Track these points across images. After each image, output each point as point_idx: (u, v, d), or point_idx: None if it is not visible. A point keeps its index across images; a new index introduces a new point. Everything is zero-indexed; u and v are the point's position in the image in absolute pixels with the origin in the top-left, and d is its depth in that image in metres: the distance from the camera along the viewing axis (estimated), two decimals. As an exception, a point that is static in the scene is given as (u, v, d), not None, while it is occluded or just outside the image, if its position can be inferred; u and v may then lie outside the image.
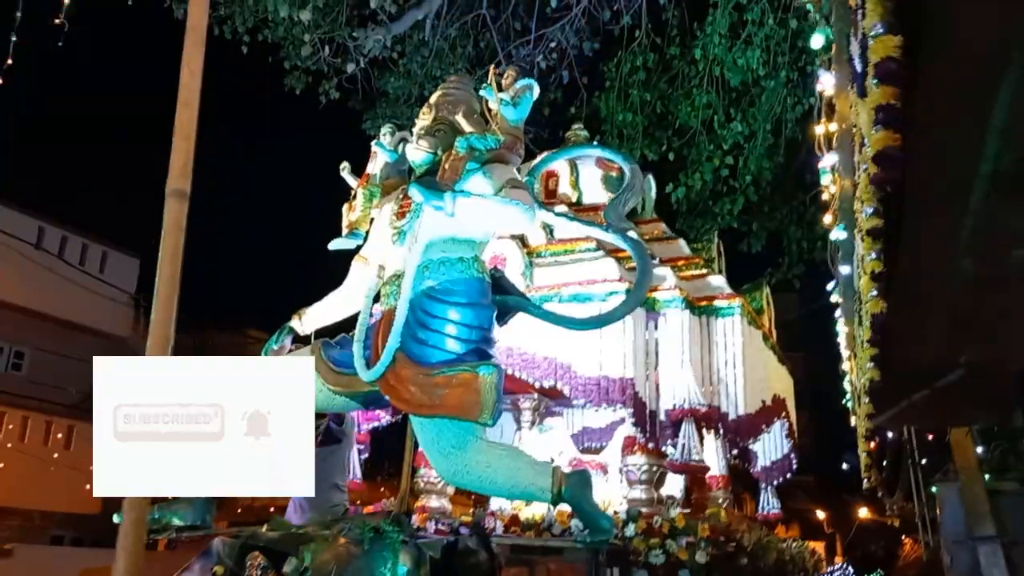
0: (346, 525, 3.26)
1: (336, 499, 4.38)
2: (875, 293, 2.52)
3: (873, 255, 2.31)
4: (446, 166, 3.85)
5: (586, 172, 7.19)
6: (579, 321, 4.22)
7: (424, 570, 3.13)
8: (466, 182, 3.81)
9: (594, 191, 7.11)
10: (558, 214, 4.31)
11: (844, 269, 3.81)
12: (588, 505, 3.58)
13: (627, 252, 4.88)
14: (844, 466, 21.19)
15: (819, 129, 3.67)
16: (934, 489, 9.44)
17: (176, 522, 3.81)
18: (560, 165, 7.08)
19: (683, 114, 10.42)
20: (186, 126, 1.83)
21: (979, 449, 8.37)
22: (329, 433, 4.42)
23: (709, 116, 10.30)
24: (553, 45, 10.14)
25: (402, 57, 10.26)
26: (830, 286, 4.62)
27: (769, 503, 7.11)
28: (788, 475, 7.10)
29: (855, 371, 5.05)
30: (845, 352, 5.46)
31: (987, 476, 8.27)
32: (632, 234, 4.05)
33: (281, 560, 3.12)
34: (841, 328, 5.11)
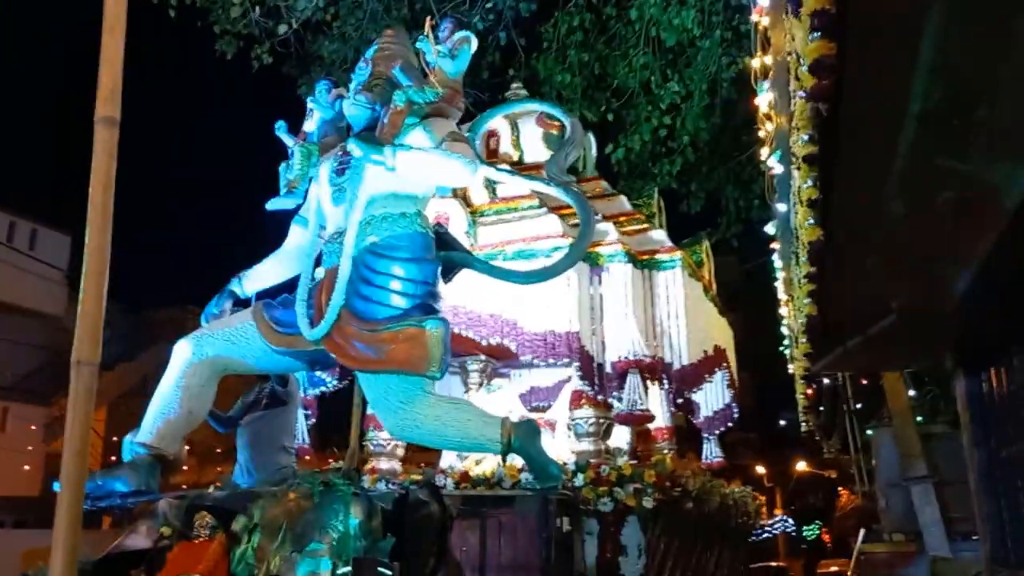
0: (295, 481, 3.24)
1: (283, 461, 4.33)
2: (812, 221, 2.57)
3: (809, 182, 2.35)
4: (385, 121, 3.81)
5: (527, 131, 7.17)
6: (523, 274, 4.22)
7: (376, 522, 3.13)
8: (406, 136, 3.78)
9: (535, 149, 7.11)
10: (500, 169, 4.31)
11: (781, 207, 3.87)
12: (537, 453, 3.61)
13: (570, 208, 4.91)
14: (781, 422, 21.88)
15: (755, 62, 3.70)
16: (869, 433, 9.84)
17: (120, 488, 3.72)
18: (501, 124, 7.06)
19: (621, 75, 10.44)
20: (112, 51, 1.75)
21: (911, 393, 8.73)
22: (273, 395, 4.37)
23: (646, 77, 10.34)
24: (490, 6, 10.03)
25: (336, 20, 10.04)
26: (769, 227, 4.67)
27: (712, 452, 7.28)
28: (729, 424, 7.26)
29: (792, 314, 5.17)
30: (783, 296, 5.59)
31: (919, 419, 8.64)
32: (574, 188, 4.06)
33: (230, 519, 3.09)
34: (779, 271, 5.22)
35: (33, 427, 18.99)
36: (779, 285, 5.42)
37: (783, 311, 5.90)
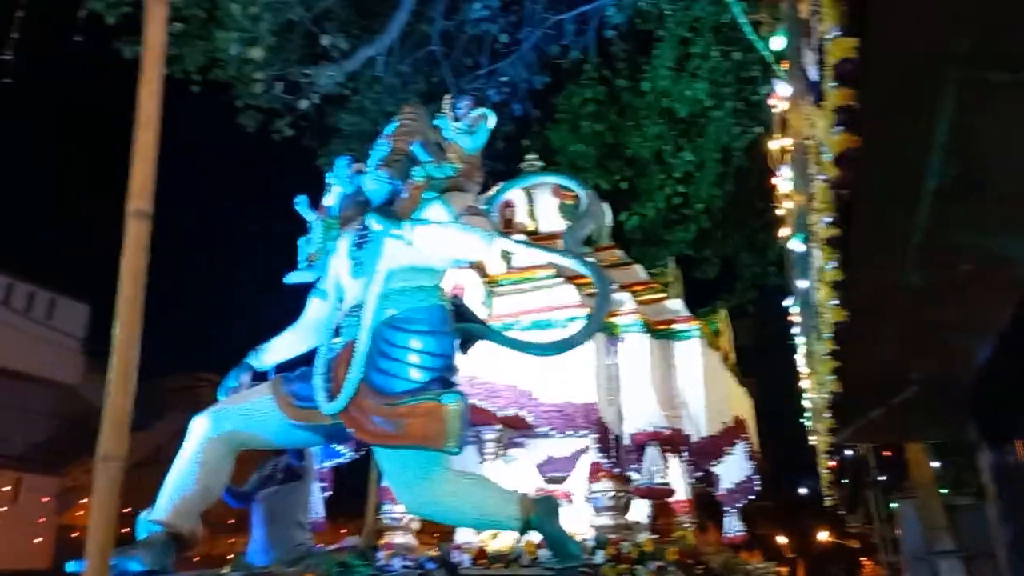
0: (312, 562, 3.20)
1: (299, 537, 4.28)
2: (836, 302, 2.57)
3: (833, 264, 2.36)
4: (404, 196, 3.87)
5: (542, 201, 7.23)
6: (541, 346, 4.20)
7: (393, 603, 3.07)
8: (424, 211, 3.83)
9: (551, 220, 7.15)
10: (517, 241, 4.34)
11: (801, 284, 3.87)
12: (556, 531, 3.56)
13: (586, 278, 4.92)
14: (802, 490, 21.51)
15: (774, 144, 3.75)
16: (893, 506, 9.64)
17: (134, 568, 3.67)
18: (517, 195, 7.12)
19: (634, 145, 10.62)
20: (145, 146, 1.81)
21: (935, 464, 8.57)
22: (289, 470, 4.35)
23: (659, 146, 10.51)
24: (504, 79, 10.28)
25: (355, 94, 10.29)
26: (788, 301, 4.67)
27: (733, 526, 7.12)
28: (751, 497, 7.11)
29: (814, 388, 5.12)
30: (804, 369, 5.54)
31: (944, 491, 8.48)
32: (590, 259, 4.08)
33: (245, 600, 3.05)
34: (800, 345, 5.19)
35: (46, 498, 18.84)
36: (800, 358, 5.39)
37: (804, 384, 5.85)
